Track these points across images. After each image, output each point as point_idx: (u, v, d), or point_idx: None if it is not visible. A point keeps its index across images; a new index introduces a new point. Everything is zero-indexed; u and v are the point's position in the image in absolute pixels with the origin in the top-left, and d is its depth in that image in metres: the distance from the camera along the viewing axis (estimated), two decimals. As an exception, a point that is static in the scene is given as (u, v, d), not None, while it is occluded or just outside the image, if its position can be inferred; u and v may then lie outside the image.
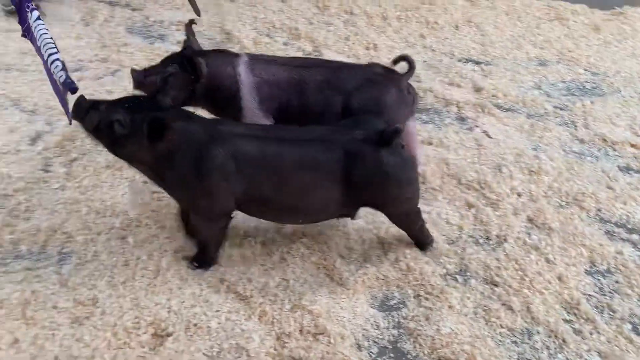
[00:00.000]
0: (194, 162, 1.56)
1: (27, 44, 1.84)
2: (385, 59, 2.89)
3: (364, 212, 1.80)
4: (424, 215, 1.82)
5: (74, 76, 1.79)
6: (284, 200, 1.66)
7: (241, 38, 2.91)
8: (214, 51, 1.97)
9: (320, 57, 2.59)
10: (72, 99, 1.55)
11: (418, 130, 2.23)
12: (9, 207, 1.84)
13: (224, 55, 1.93)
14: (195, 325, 1.52)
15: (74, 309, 1.55)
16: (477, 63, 2.89)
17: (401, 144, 1.66)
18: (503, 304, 1.64)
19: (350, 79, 1.92)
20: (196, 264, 1.70)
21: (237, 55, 1.93)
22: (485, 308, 1.62)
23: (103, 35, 2.76)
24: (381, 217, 1.79)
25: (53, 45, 1.59)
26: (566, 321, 1.60)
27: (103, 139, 1.57)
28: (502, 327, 1.58)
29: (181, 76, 1.81)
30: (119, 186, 1.96)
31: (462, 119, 2.48)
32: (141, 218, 1.84)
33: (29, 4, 1.69)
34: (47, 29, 1.64)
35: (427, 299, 1.65)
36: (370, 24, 3.22)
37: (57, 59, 1.56)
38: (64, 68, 1.56)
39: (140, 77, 1.82)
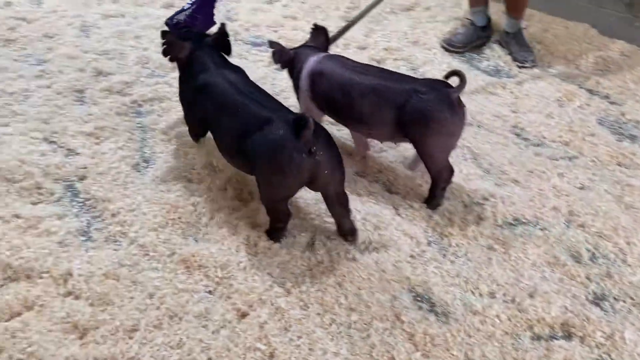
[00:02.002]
0: (186, 79, 2.25)
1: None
2: None
3: None
4: None
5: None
6: (218, 132, 2.12)
7: None
8: (308, 46, 2.42)
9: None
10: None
11: None
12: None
13: (311, 49, 2.37)
14: None
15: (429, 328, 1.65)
16: None
17: (309, 144, 1.78)
18: None
19: (399, 90, 2.08)
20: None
21: (321, 51, 2.35)
22: None
23: (573, 120, 2.80)
24: None
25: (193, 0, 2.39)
26: None
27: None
28: None
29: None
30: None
31: None
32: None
33: None
34: None
35: None
36: None
37: (188, 5, 2.37)
38: (179, 11, 2.39)
39: (278, 56, 2.36)
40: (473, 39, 3.37)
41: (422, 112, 2.04)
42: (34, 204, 2.17)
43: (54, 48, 3.15)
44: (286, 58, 2.36)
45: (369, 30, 3.54)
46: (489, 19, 3.41)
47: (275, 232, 2.03)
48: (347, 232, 2.04)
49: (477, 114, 2.81)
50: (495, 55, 3.34)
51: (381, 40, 3.44)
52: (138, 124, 2.62)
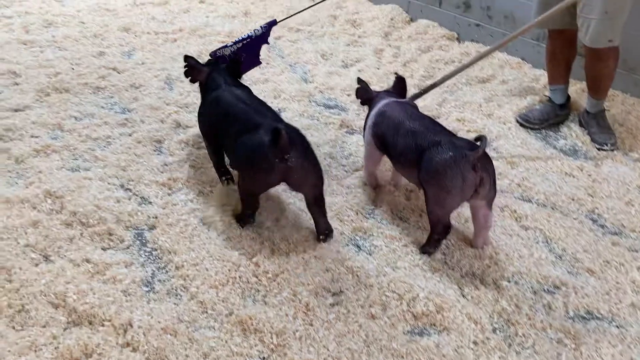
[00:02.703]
0: (204, 98, 2.65)
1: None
2: None
3: None
4: None
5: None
6: (224, 137, 2.41)
7: None
8: (388, 91, 2.67)
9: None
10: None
11: None
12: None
13: (388, 94, 2.61)
14: None
15: None
16: None
17: (285, 151, 2.11)
18: None
19: (429, 139, 2.22)
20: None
21: (394, 97, 2.57)
22: None
23: (656, 211, 2.65)
24: None
25: (240, 39, 2.77)
26: None
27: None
28: None
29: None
30: None
31: None
32: None
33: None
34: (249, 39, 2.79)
35: None
36: None
37: (231, 43, 2.78)
38: (223, 47, 2.75)
39: (361, 93, 2.66)
40: (550, 117, 3.29)
41: (430, 162, 2.17)
42: (104, 249, 2.24)
43: (139, 98, 3.32)
44: (367, 96, 2.64)
45: (442, 99, 3.54)
46: (568, 97, 3.34)
47: (242, 218, 2.36)
48: (321, 231, 2.32)
49: (551, 195, 2.71)
50: (573, 134, 3.24)
51: (454, 111, 3.42)
52: (210, 177, 2.68)
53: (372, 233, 2.42)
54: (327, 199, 2.57)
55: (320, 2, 3.95)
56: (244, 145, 2.22)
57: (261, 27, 2.82)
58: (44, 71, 3.51)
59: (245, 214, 2.35)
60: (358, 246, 2.35)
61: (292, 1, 4.97)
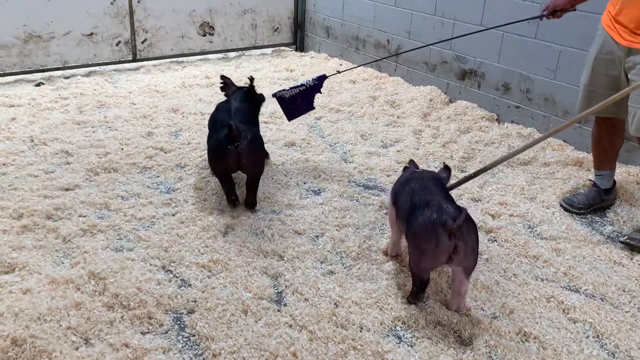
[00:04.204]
0: None
1: None
2: None
3: None
4: None
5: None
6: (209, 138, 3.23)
7: None
8: (411, 165, 2.79)
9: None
10: None
11: None
12: None
13: (413, 164, 2.76)
14: None
15: None
16: None
17: (236, 140, 2.92)
18: None
19: (423, 198, 2.33)
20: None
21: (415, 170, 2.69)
22: None
23: None
24: None
25: (296, 86, 3.43)
26: None
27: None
28: None
29: None
30: None
31: None
32: None
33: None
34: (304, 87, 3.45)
35: None
36: None
37: (288, 88, 3.46)
38: (283, 90, 3.46)
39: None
40: (596, 202, 3.22)
41: (412, 222, 2.30)
42: (143, 333, 2.24)
43: (184, 178, 3.41)
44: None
45: (483, 182, 3.51)
46: (614, 182, 3.27)
47: (227, 198, 3.10)
48: (248, 203, 3.10)
49: (600, 285, 2.61)
50: (619, 220, 3.15)
51: (496, 194, 3.39)
52: (250, 259, 2.69)
53: (414, 323, 2.35)
54: (367, 285, 2.55)
55: (365, 64, 4.06)
56: (209, 140, 3.10)
57: (312, 79, 3.44)
58: (94, 151, 3.67)
59: (226, 194, 3.10)
60: (399, 337, 2.28)
61: (335, 84, 5.12)
